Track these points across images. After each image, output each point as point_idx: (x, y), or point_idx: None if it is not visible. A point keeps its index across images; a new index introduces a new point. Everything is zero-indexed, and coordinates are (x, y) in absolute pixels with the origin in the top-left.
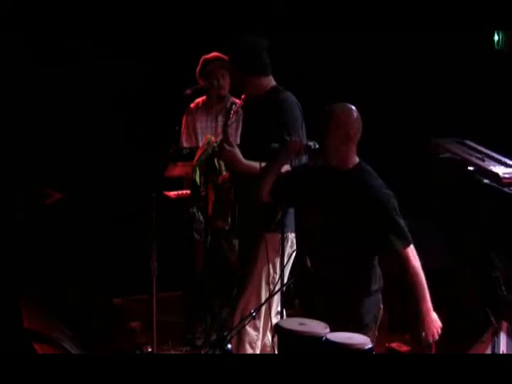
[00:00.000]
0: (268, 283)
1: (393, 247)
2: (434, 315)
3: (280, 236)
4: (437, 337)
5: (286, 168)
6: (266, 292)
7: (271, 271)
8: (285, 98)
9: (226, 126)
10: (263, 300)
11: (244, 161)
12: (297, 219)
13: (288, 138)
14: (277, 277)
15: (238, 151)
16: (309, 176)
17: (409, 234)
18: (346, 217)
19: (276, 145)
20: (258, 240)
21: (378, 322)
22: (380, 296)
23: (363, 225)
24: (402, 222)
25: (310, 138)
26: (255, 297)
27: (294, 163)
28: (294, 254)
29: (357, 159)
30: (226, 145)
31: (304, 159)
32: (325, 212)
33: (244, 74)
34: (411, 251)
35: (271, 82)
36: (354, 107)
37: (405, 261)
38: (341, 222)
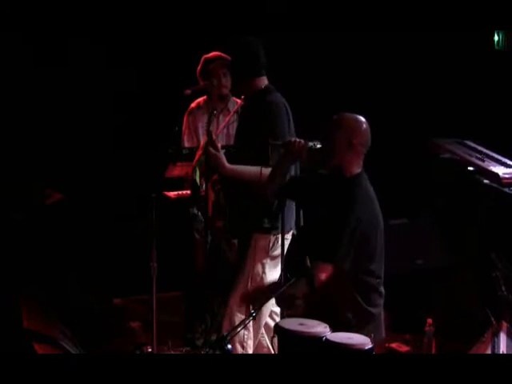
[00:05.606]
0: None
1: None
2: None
3: (270, 237)
4: None
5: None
6: None
7: (259, 271)
8: (272, 100)
9: (209, 127)
10: None
11: (227, 165)
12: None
13: (272, 141)
14: (265, 277)
15: (221, 156)
16: (310, 180)
17: (339, 258)
18: (325, 224)
19: (278, 142)
20: (248, 240)
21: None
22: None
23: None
24: (343, 243)
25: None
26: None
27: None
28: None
29: (357, 170)
30: (211, 148)
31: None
32: (315, 217)
33: (239, 75)
34: (324, 269)
35: (264, 81)
36: (364, 119)
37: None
38: (321, 228)
